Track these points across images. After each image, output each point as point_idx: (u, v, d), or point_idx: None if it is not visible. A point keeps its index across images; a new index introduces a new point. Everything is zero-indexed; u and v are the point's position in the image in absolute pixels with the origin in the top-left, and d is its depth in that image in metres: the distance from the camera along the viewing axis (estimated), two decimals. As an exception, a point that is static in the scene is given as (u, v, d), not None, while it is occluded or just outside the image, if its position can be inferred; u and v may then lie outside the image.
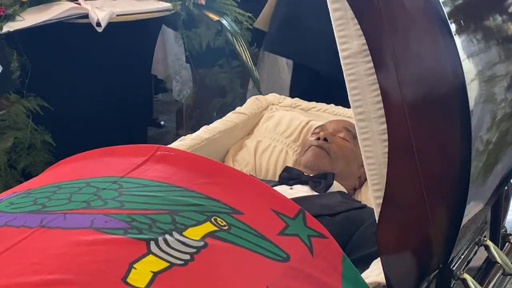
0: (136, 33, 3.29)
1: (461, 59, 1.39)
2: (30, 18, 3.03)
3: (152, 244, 1.32)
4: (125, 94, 3.39)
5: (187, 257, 1.31)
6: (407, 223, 1.56)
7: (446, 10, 1.40)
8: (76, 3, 3.12)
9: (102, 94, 3.22)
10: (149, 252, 1.30)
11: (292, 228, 1.51)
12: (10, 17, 3.00)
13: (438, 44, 1.41)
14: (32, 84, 3.15)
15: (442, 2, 1.39)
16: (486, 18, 1.59)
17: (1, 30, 2.93)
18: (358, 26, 1.47)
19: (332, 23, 1.54)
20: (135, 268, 1.26)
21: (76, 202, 1.45)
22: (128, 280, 1.23)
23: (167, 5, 3.24)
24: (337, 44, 1.55)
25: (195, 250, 1.34)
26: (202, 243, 1.36)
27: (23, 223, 1.37)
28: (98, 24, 3.01)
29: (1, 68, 2.72)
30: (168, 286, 1.25)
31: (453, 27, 1.40)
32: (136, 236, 1.33)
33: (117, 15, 3.09)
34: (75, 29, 3.07)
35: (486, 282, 2.02)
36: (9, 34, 2.96)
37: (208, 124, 2.57)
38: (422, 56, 1.46)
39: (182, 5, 3.29)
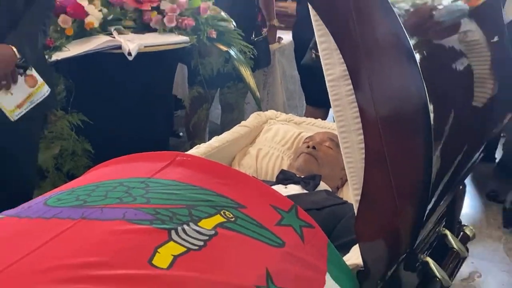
0: (160, 61, 3.29)
1: (424, 83, 1.39)
2: (74, 49, 3.04)
3: (173, 232, 1.33)
4: (151, 110, 3.40)
5: (201, 243, 1.32)
6: (380, 216, 1.56)
7: (412, 42, 1.40)
8: (111, 36, 3.14)
9: (132, 110, 3.23)
10: (170, 239, 1.31)
11: (287, 220, 1.51)
12: (57, 48, 3.01)
13: (406, 70, 1.42)
14: (75, 102, 3.16)
15: (409, 36, 1.40)
16: (444, 50, 1.59)
17: (50, 58, 2.94)
18: (340, 56, 1.47)
19: (319, 52, 1.55)
20: (159, 252, 1.27)
21: (111, 198, 1.46)
22: (153, 262, 1.24)
23: (186, 38, 3.25)
24: (323, 69, 1.55)
25: (207, 237, 1.35)
26: (213, 232, 1.37)
27: (68, 216, 1.38)
28: (129, 54, 3.02)
29: (50, 89, 2.72)
30: (186, 267, 1.25)
31: (417, 56, 1.41)
32: (160, 226, 1.34)
33: (145, 46, 3.10)
34: (111, 57, 3.07)
35: (444, 264, 2.02)
36: (57, 62, 2.97)
37: (218, 135, 2.58)
38: (393, 80, 1.47)
39: (198, 38, 3.29)
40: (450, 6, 1.69)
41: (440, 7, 1.63)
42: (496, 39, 1.75)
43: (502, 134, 3.70)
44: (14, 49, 2.56)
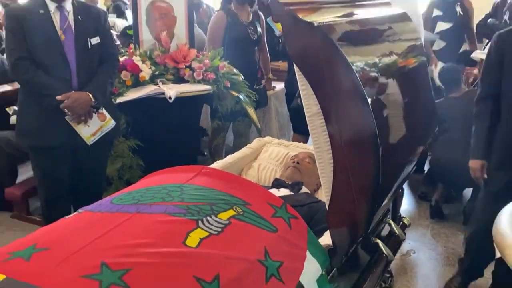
0: (191, 103, 3.30)
1: (374, 118, 1.40)
2: (131, 94, 3.06)
3: (200, 222, 1.35)
4: (184, 136, 3.40)
5: (219, 229, 1.34)
6: (344, 210, 1.56)
7: (366, 90, 1.40)
8: (157, 86, 3.15)
9: (171, 136, 3.22)
10: (198, 226, 1.33)
11: (279, 213, 1.53)
12: (120, 94, 3.04)
13: (361, 109, 1.42)
14: (132, 132, 3.17)
15: (363, 85, 1.40)
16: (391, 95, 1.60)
17: (115, 101, 2.96)
18: (316, 99, 1.48)
19: (301, 96, 1.56)
20: (190, 236, 1.28)
21: (156, 198, 1.48)
22: (186, 243, 1.26)
23: (209, 87, 3.26)
24: (304, 108, 1.56)
25: (224, 225, 1.36)
26: (228, 222, 1.39)
27: (127, 210, 1.40)
28: (170, 98, 3.03)
29: (115, 123, 2.73)
30: (208, 246, 1.27)
31: (369, 98, 1.41)
32: (190, 217, 1.36)
33: (181, 93, 3.11)
34: (157, 100, 3.09)
35: (389, 244, 2.01)
36: (119, 103, 2.99)
37: (231, 154, 2.59)
38: (352, 116, 1.47)
39: (217, 87, 3.30)
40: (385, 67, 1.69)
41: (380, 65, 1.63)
42: (406, 100, 1.75)
43: (429, 153, 3.69)
44: (90, 95, 2.58)
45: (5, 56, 3.70)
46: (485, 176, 2.30)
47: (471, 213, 3.56)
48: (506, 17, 4.43)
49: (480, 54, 3.89)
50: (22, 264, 1.12)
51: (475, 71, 4.00)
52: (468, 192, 3.78)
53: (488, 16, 4.66)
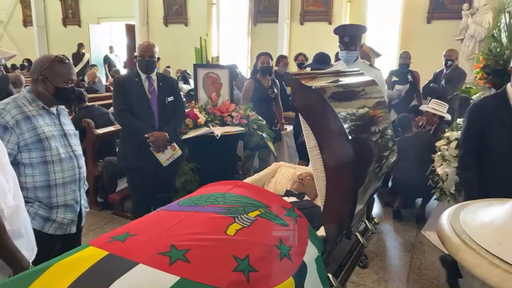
0: (231, 138, 3.30)
1: (352, 150, 1.38)
2: (191, 133, 3.09)
3: (236, 218, 1.33)
4: (226, 161, 3.37)
5: (249, 224, 1.32)
6: (333, 212, 1.53)
7: (346, 127, 1.40)
8: (209, 128, 3.17)
9: (217, 161, 3.19)
10: (235, 221, 1.31)
11: (289, 213, 1.50)
12: (185, 133, 3.08)
13: (342, 142, 1.40)
14: (192, 157, 3.19)
15: (344, 125, 1.40)
16: (364, 132, 1.58)
17: (182, 137, 2.99)
18: (314, 136, 1.48)
19: (304, 133, 1.55)
20: (229, 228, 1.27)
21: (207, 202, 1.46)
22: (227, 232, 1.25)
23: (242, 128, 3.28)
24: (306, 143, 1.56)
25: (252, 221, 1.35)
26: (255, 218, 1.37)
27: (188, 210, 1.39)
28: (217, 136, 3.06)
29: (181, 152, 2.76)
30: (242, 235, 1.25)
31: (349, 136, 1.40)
32: (230, 215, 1.34)
33: (224, 132, 3.13)
34: (208, 137, 3.11)
35: (365, 237, 1.96)
36: (184, 139, 3.02)
37: (257, 173, 2.58)
38: (337, 148, 1.45)
39: (248, 128, 3.33)
40: (360, 116, 1.68)
41: (357, 114, 1.62)
42: (377, 137, 1.70)
43: (391, 174, 3.63)
44: (166, 134, 2.63)
45: (110, 109, 3.83)
46: None
47: (421, 215, 3.49)
48: (442, 82, 4.40)
49: (425, 107, 3.85)
50: (119, 244, 1.13)
51: (423, 119, 3.97)
52: (419, 201, 3.69)
53: (430, 81, 4.64)
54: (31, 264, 1.38)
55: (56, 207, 1.73)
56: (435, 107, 3.68)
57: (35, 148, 1.64)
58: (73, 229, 1.83)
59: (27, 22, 11.17)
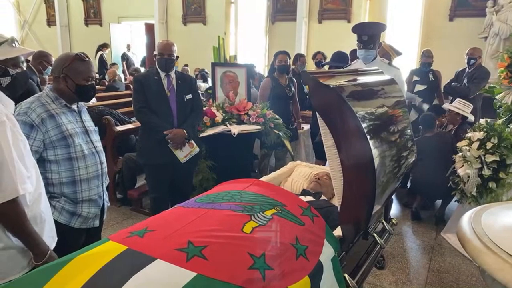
0: (248, 137, 3.31)
1: (371, 149, 1.37)
2: (209, 131, 3.11)
3: (252, 216, 1.32)
4: (242, 159, 3.40)
5: (266, 222, 1.32)
6: (350, 212, 1.51)
7: (364, 126, 1.38)
8: (226, 126, 3.18)
9: (234, 159, 3.22)
10: (251, 219, 1.30)
11: (305, 212, 1.48)
12: (202, 131, 3.10)
13: (361, 142, 1.38)
14: (209, 155, 3.21)
15: (363, 124, 1.38)
16: (383, 131, 1.55)
17: (199, 135, 3.01)
18: (331, 135, 1.47)
19: (321, 132, 1.54)
20: (245, 225, 1.26)
21: (224, 199, 1.46)
22: (243, 229, 1.24)
23: (259, 127, 3.28)
24: (323, 142, 1.54)
25: (268, 219, 1.34)
26: (271, 217, 1.36)
27: (205, 207, 1.39)
28: (234, 134, 3.07)
29: (199, 149, 2.78)
30: (258, 232, 1.24)
31: (368, 135, 1.38)
32: (246, 213, 1.34)
33: (241, 130, 3.14)
34: (225, 135, 3.12)
35: (382, 238, 1.93)
36: (202, 137, 3.04)
37: (274, 171, 2.58)
38: (356, 147, 1.43)
39: (264, 127, 3.32)
40: (379, 115, 1.65)
41: (376, 114, 1.60)
42: (396, 136, 1.67)
43: (410, 174, 3.56)
44: (185, 131, 2.65)
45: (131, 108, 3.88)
46: None
47: (441, 217, 3.41)
48: (465, 81, 4.28)
49: (448, 105, 3.75)
50: (138, 239, 1.14)
51: (442, 120, 3.88)
52: (438, 202, 3.61)
53: (451, 80, 4.52)
54: (50, 249, 1.42)
55: (81, 202, 1.77)
56: (460, 106, 3.57)
57: (60, 145, 1.68)
58: (96, 223, 1.88)
59: (50, 21, 11.46)
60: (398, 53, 4.15)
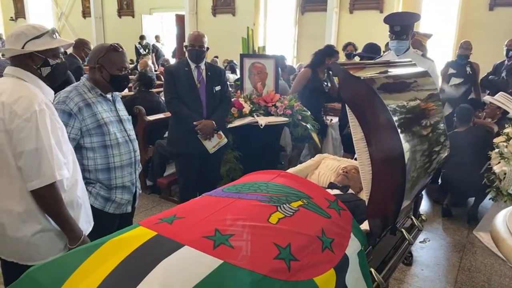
0: (274, 128, 3.29)
1: (402, 143, 1.33)
2: (237, 122, 3.11)
3: (278, 207, 1.33)
4: (269, 150, 3.37)
5: (292, 213, 1.32)
6: (378, 207, 1.49)
7: (395, 120, 1.35)
8: (253, 117, 3.18)
9: (261, 150, 3.21)
10: (277, 210, 1.31)
11: (332, 206, 1.47)
12: (230, 122, 3.10)
13: (392, 136, 1.36)
14: (236, 146, 3.23)
15: (394, 117, 1.34)
16: (415, 125, 1.51)
17: (227, 126, 3.02)
18: (360, 128, 1.44)
19: (350, 127, 1.52)
20: (271, 216, 1.27)
21: (251, 190, 1.47)
22: (269, 220, 1.25)
23: (287, 118, 3.26)
24: (352, 135, 1.52)
25: (294, 211, 1.34)
26: (297, 208, 1.36)
27: (232, 196, 1.40)
28: (261, 125, 3.06)
29: (227, 140, 2.80)
30: (284, 224, 1.25)
31: (399, 129, 1.35)
32: (273, 204, 1.34)
33: (268, 122, 3.12)
34: (253, 127, 3.12)
35: (410, 234, 1.89)
36: (230, 128, 3.05)
37: (300, 163, 2.56)
38: (386, 141, 1.41)
39: (292, 119, 3.29)
40: (411, 108, 1.60)
41: (407, 107, 1.55)
42: (428, 130, 1.62)
43: (442, 170, 3.44)
44: (214, 122, 2.68)
45: (161, 96, 3.95)
46: None
47: (473, 215, 3.29)
48: (503, 74, 4.06)
49: (489, 98, 3.56)
50: (167, 226, 1.17)
51: (480, 113, 3.70)
52: (471, 200, 3.48)
53: (489, 74, 4.29)
54: (84, 234, 1.49)
55: (115, 188, 1.83)
56: (502, 100, 3.38)
57: (96, 133, 1.74)
58: (129, 209, 1.94)
59: (86, 13, 11.83)
60: (428, 35, 3.96)
